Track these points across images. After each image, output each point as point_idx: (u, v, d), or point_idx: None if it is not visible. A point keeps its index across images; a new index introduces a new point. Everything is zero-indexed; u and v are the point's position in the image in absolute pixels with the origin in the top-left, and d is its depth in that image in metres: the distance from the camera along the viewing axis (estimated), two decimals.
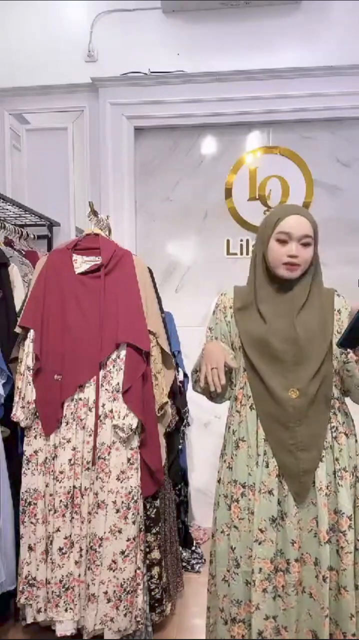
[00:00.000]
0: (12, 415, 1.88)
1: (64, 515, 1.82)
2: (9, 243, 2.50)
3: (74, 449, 1.84)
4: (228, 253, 2.99)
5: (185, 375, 2.57)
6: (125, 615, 1.78)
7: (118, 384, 1.83)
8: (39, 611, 1.83)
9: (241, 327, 1.48)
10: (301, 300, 1.45)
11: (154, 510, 1.94)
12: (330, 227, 2.72)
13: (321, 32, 2.85)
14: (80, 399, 1.85)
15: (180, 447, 2.49)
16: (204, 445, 2.95)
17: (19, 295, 2.16)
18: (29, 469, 1.87)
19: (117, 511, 1.79)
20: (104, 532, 1.78)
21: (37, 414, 1.87)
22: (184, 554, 2.55)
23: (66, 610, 1.80)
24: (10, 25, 3.05)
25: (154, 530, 1.93)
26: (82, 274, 1.94)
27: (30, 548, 1.84)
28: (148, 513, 1.92)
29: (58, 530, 1.81)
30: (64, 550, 1.82)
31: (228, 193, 3.00)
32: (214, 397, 1.51)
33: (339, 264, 2.77)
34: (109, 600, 1.76)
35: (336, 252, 2.77)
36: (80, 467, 1.83)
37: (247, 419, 1.45)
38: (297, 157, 2.93)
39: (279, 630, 1.39)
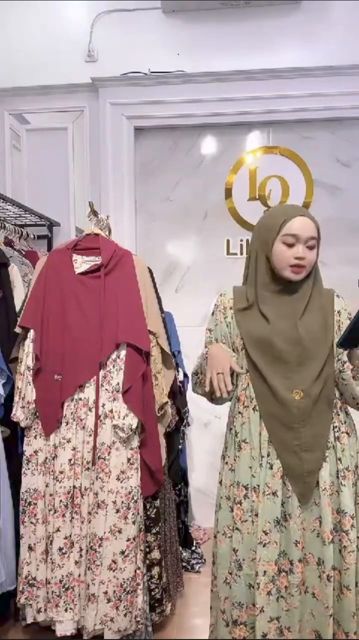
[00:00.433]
0: (12, 415, 1.88)
1: (64, 515, 1.82)
2: (9, 243, 2.50)
3: (74, 449, 1.84)
4: (228, 253, 2.99)
5: (185, 375, 2.57)
6: (125, 615, 1.78)
7: (118, 384, 1.83)
8: (39, 611, 1.83)
9: (243, 328, 1.47)
10: (304, 301, 1.45)
11: (154, 510, 1.94)
12: (330, 227, 2.72)
13: (321, 32, 2.85)
14: (80, 399, 1.85)
15: (180, 447, 2.49)
16: (204, 445, 2.95)
17: (19, 295, 2.16)
18: (29, 469, 1.87)
19: (117, 511, 1.79)
20: (104, 532, 1.78)
21: (37, 414, 1.87)
22: (184, 554, 2.55)
23: (66, 610, 1.80)
24: (10, 25, 3.04)
25: (154, 530, 1.93)
26: (82, 274, 1.94)
27: (30, 548, 1.84)
28: (148, 513, 1.92)
29: (58, 530, 1.81)
30: (64, 550, 1.82)
31: (228, 193, 3.00)
32: (215, 398, 1.49)
33: (339, 264, 2.77)
34: (109, 600, 1.76)
35: (336, 252, 2.77)
36: (80, 467, 1.83)
37: (250, 420, 1.44)
38: (297, 157, 2.93)
39: (282, 631, 1.39)
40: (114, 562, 1.78)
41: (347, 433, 1.45)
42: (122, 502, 1.80)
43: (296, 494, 1.39)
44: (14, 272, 2.20)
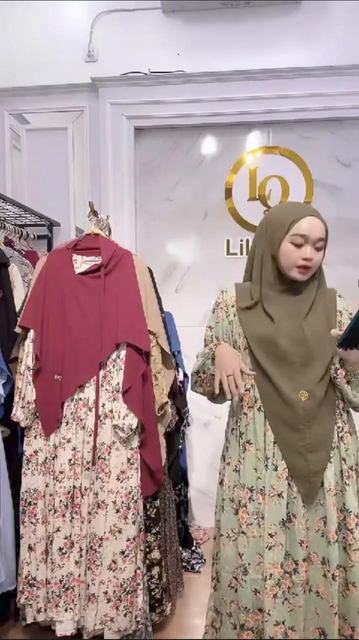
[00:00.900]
0: (12, 415, 1.88)
1: (64, 515, 1.82)
2: (9, 243, 2.50)
3: (74, 449, 1.84)
4: (228, 253, 3.00)
5: (185, 375, 2.57)
6: (125, 615, 1.78)
7: (118, 384, 1.83)
8: (39, 611, 1.83)
9: (247, 328, 1.45)
10: (309, 301, 1.44)
11: (154, 510, 1.94)
12: (330, 227, 2.69)
13: (321, 32, 2.85)
14: (80, 399, 1.85)
15: (180, 447, 2.49)
16: (204, 445, 2.95)
17: (19, 295, 2.16)
18: (29, 469, 1.87)
19: (117, 511, 1.79)
20: (104, 532, 1.78)
21: (37, 414, 1.87)
22: (184, 554, 2.55)
23: (66, 610, 1.80)
24: (10, 25, 3.05)
25: (154, 530, 1.93)
26: (82, 274, 1.94)
27: (30, 548, 1.84)
28: (148, 513, 1.92)
29: (58, 530, 1.81)
30: (64, 550, 1.81)
31: (228, 193, 3.00)
32: (216, 397, 1.48)
33: (339, 264, 2.77)
34: (109, 600, 1.76)
35: (336, 252, 2.76)
36: (80, 467, 1.83)
37: (255, 421, 1.42)
38: (297, 157, 2.93)
39: (286, 632, 1.39)
40: (114, 562, 1.78)
41: (349, 433, 1.45)
42: (122, 502, 1.80)
43: (301, 495, 1.38)
44: (14, 272, 2.20)
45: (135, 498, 1.82)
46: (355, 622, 1.39)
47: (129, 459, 1.83)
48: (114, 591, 1.77)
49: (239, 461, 1.45)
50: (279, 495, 1.38)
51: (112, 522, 1.78)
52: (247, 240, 2.94)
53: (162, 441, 1.98)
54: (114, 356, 1.86)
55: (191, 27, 2.93)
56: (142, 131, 3.01)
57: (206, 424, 2.98)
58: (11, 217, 2.77)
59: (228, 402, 1.54)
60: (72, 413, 1.85)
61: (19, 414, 1.87)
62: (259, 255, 1.46)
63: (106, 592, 1.77)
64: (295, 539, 1.38)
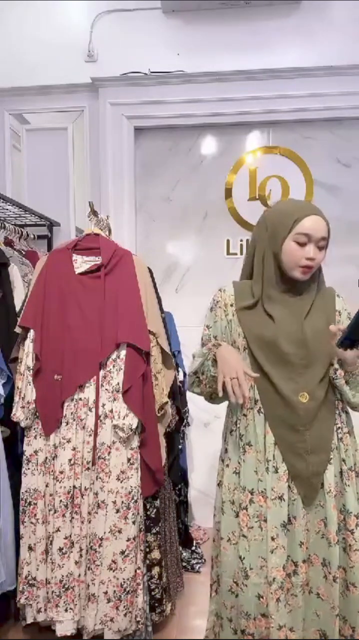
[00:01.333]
0: (12, 415, 1.88)
1: (64, 515, 1.82)
2: (9, 243, 2.50)
3: (74, 449, 1.84)
4: (228, 253, 2.99)
5: (185, 375, 2.56)
6: (125, 615, 1.78)
7: (118, 384, 1.83)
8: (39, 611, 1.83)
9: (247, 328, 1.43)
10: (309, 301, 1.42)
11: (154, 510, 1.94)
12: (330, 227, 2.72)
13: (321, 32, 2.85)
14: (80, 399, 1.85)
15: (180, 447, 2.49)
16: (204, 445, 2.95)
17: (19, 295, 2.16)
18: (29, 469, 1.87)
19: (117, 511, 1.79)
20: (104, 532, 1.78)
21: (37, 414, 1.87)
22: (184, 554, 2.55)
23: (66, 610, 1.80)
24: (10, 25, 3.05)
25: (154, 530, 1.93)
26: (82, 274, 1.94)
27: (30, 548, 1.84)
28: (148, 513, 1.92)
29: (58, 530, 1.81)
30: (64, 550, 1.81)
31: (228, 193, 3.00)
32: (214, 398, 1.47)
33: (339, 264, 2.76)
34: (109, 600, 1.76)
35: (336, 252, 2.75)
36: (80, 467, 1.83)
37: (255, 422, 1.41)
38: (297, 157, 2.93)
39: (286, 634, 1.38)
40: (114, 562, 1.78)
41: (349, 433, 1.45)
42: (122, 502, 1.80)
43: (301, 496, 1.38)
44: (14, 272, 2.20)
45: (135, 498, 1.82)
46: (355, 622, 1.38)
47: (129, 459, 1.83)
48: (114, 591, 1.77)
49: (239, 463, 1.44)
50: (280, 497, 1.37)
51: (112, 522, 1.78)
52: (247, 240, 2.94)
53: (162, 441, 1.98)
54: (114, 356, 1.86)
55: (191, 27, 2.93)
56: (142, 131, 3.01)
57: (206, 424, 2.98)
58: (11, 217, 2.77)
59: (226, 403, 1.52)
60: (72, 413, 1.85)
61: (19, 414, 1.87)
62: (259, 255, 1.44)
63: (106, 592, 1.77)
64: (295, 540, 1.38)
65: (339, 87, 2.78)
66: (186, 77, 2.87)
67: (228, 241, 2.99)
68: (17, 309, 2.10)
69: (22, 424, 1.88)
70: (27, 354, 1.89)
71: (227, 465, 1.48)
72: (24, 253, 2.52)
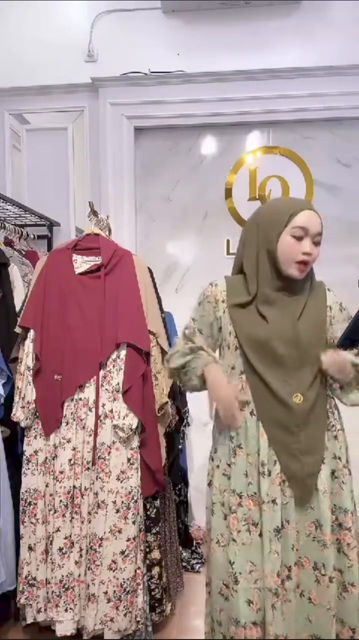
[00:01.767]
0: (12, 415, 1.88)
1: (64, 515, 1.82)
2: (9, 243, 2.50)
3: (74, 449, 1.84)
4: (228, 253, 2.99)
5: None
6: (125, 615, 1.77)
7: (118, 384, 1.83)
8: (39, 611, 1.83)
9: (239, 327, 1.41)
10: (303, 302, 1.41)
11: (154, 510, 1.93)
12: (330, 227, 2.70)
13: (321, 32, 2.85)
14: (80, 399, 1.85)
15: (180, 447, 2.49)
16: (204, 445, 2.90)
17: (19, 295, 2.16)
18: (29, 469, 1.87)
19: (117, 511, 1.79)
20: (104, 532, 1.78)
21: (37, 414, 1.87)
22: (184, 554, 2.55)
23: (66, 610, 1.80)
24: (10, 25, 3.05)
25: (154, 530, 1.93)
26: (82, 274, 1.94)
27: (30, 548, 1.84)
28: (148, 513, 1.92)
29: (58, 530, 1.81)
30: (64, 550, 1.81)
31: (228, 193, 2.99)
32: (199, 390, 1.47)
33: (339, 264, 2.76)
34: (109, 600, 1.76)
35: (336, 252, 2.77)
36: (80, 467, 1.83)
37: (247, 425, 1.39)
38: (297, 157, 2.93)
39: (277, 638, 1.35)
40: (114, 562, 1.78)
41: (341, 430, 1.45)
42: (122, 502, 1.80)
43: (296, 497, 1.36)
44: (14, 272, 2.20)
45: (135, 498, 1.82)
46: (355, 623, 1.36)
47: (129, 459, 1.83)
48: (114, 591, 1.77)
49: (228, 465, 1.42)
50: (273, 501, 1.35)
51: (112, 522, 1.78)
52: None
53: (162, 441, 1.98)
54: (114, 356, 1.86)
55: (191, 27, 2.93)
56: (142, 131, 3.01)
57: (206, 424, 2.95)
58: (11, 217, 2.77)
59: None
60: (72, 413, 1.85)
61: (19, 414, 1.87)
62: (253, 254, 1.41)
63: (106, 592, 1.77)
64: (287, 544, 1.35)
65: (339, 87, 2.78)
66: (186, 77, 2.87)
67: (228, 241, 2.98)
68: (17, 309, 2.10)
69: (22, 424, 1.88)
70: (27, 354, 1.89)
71: (217, 466, 1.46)
72: (24, 253, 2.52)
